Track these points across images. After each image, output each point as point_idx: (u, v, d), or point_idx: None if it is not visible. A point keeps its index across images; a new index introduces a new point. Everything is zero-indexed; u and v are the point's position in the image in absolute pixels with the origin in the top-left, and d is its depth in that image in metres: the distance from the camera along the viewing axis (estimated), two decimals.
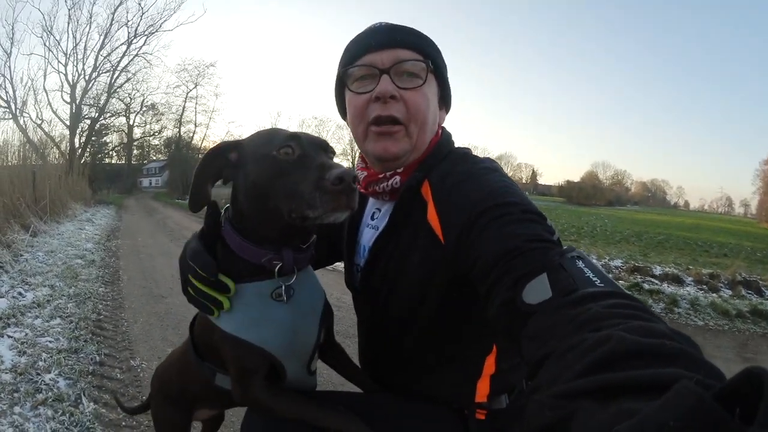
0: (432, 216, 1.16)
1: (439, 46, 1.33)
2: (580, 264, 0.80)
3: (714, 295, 7.91)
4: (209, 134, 49.96)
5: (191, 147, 46.51)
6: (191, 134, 47.63)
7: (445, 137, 1.34)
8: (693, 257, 13.95)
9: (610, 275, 0.79)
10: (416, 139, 1.25)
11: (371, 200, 1.44)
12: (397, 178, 1.27)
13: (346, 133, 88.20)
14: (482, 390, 1.27)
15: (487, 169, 1.18)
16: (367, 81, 1.25)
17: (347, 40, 1.31)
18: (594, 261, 0.87)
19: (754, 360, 5.09)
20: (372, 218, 1.40)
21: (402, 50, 1.23)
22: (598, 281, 0.75)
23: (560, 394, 0.49)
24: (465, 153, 1.31)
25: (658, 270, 9.49)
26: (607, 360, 0.50)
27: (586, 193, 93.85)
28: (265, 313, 1.14)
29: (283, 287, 1.14)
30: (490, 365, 1.27)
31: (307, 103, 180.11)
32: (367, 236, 1.39)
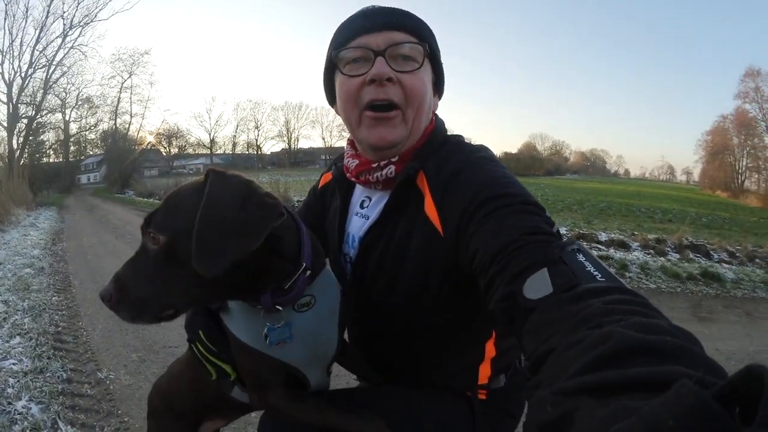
0: (429, 208, 1.15)
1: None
2: (581, 257, 0.80)
3: (662, 259, 8.22)
4: (145, 124, 49.00)
5: (128, 139, 45.47)
6: (127, 125, 46.54)
7: (439, 125, 1.31)
8: (637, 223, 14.41)
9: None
10: (412, 125, 1.21)
11: (359, 187, 1.40)
12: (392, 167, 1.23)
13: (281, 115, 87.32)
14: (484, 373, 1.30)
15: (484, 159, 1.18)
16: (360, 64, 1.20)
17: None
18: (593, 253, 0.87)
19: (710, 319, 5.33)
20: (362, 206, 1.36)
21: (398, 33, 1.19)
22: (599, 276, 0.75)
23: (561, 391, 0.49)
24: (459, 141, 1.29)
25: (603, 236, 9.81)
26: (607, 357, 0.50)
27: (525, 163, 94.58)
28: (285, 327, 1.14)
29: (282, 322, 1.12)
30: (490, 349, 1.29)
31: (242, 86, 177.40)
32: (357, 225, 1.36)
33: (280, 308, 1.11)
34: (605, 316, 0.61)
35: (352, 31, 1.22)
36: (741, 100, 53.88)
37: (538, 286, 0.78)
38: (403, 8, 1.25)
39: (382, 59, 1.16)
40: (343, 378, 3.00)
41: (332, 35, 1.29)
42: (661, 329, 0.55)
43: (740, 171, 55.27)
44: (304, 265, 1.12)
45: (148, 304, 0.98)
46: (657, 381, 0.43)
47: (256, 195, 1.00)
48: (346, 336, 1.35)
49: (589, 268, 0.77)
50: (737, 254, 8.96)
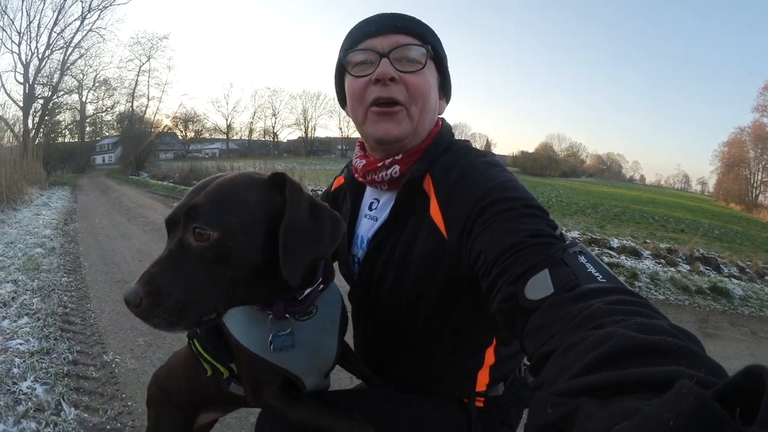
0: (435, 211, 1.17)
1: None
2: (582, 259, 0.80)
3: (672, 269, 8.15)
4: (162, 108, 49.35)
5: (144, 121, 45.60)
6: (144, 108, 46.86)
7: (445, 129, 1.34)
8: (650, 231, 14.31)
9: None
10: (417, 122, 1.25)
11: (369, 189, 1.43)
12: (396, 167, 1.26)
13: (299, 104, 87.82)
14: (482, 380, 1.31)
15: (489, 164, 1.19)
16: (366, 65, 1.25)
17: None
18: (595, 255, 0.87)
19: (716, 336, 5.27)
20: (370, 208, 1.39)
21: (402, 36, 1.24)
22: (600, 276, 0.75)
23: (562, 392, 0.50)
24: (466, 145, 1.31)
25: (615, 242, 9.74)
26: (608, 357, 0.50)
27: (541, 163, 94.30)
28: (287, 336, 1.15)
29: (288, 330, 1.14)
30: (490, 356, 1.30)
31: (260, 73, 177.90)
32: (366, 227, 1.39)
33: (288, 316, 1.12)
34: (606, 316, 0.61)
35: (360, 35, 1.28)
36: (759, 113, 53.44)
37: (539, 286, 0.78)
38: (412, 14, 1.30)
39: (386, 60, 1.21)
40: (345, 375, 3.01)
41: (343, 40, 1.33)
42: (661, 329, 0.55)
43: (755, 185, 54.79)
44: (321, 279, 1.15)
45: (189, 307, 0.90)
46: (658, 381, 0.43)
47: (323, 206, 1.03)
48: (349, 340, 1.37)
49: (590, 269, 0.77)
50: (747, 270, 8.85)
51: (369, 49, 1.24)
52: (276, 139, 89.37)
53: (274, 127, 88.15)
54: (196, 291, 0.91)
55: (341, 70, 1.34)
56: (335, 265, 1.35)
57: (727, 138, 62.03)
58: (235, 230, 0.93)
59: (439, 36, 1.32)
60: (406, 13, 1.29)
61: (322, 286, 1.16)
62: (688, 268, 8.54)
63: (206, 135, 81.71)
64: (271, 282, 0.98)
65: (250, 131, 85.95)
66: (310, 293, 1.13)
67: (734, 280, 7.98)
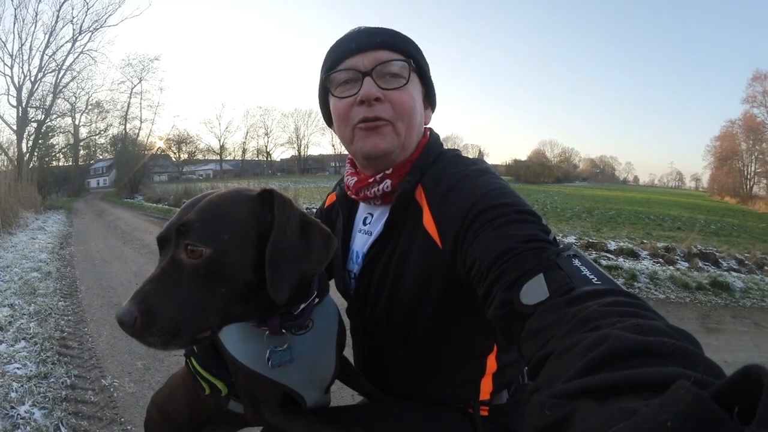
0: (428, 221, 1.17)
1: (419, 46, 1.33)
2: (577, 262, 0.80)
3: (671, 268, 8.19)
4: (155, 130, 49.36)
5: (137, 144, 45.77)
6: (137, 131, 46.80)
7: (433, 139, 1.34)
8: (646, 231, 14.35)
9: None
10: (404, 137, 1.25)
11: (362, 205, 1.43)
12: (388, 182, 1.26)
13: (291, 122, 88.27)
14: (486, 388, 1.30)
15: (480, 171, 1.19)
16: (350, 85, 1.25)
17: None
18: (590, 258, 0.86)
19: (719, 330, 5.28)
20: (364, 223, 1.39)
21: (383, 51, 1.23)
22: (595, 279, 0.75)
23: (559, 394, 0.49)
24: (456, 154, 1.31)
25: (612, 245, 9.77)
26: (605, 359, 0.50)
27: (534, 171, 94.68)
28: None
29: (285, 345, 1.13)
30: (492, 364, 1.30)
31: (251, 93, 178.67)
32: (360, 242, 1.38)
33: (285, 331, 1.12)
34: (602, 318, 0.61)
35: (341, 53, 1.27)
36: (749, 104, 53.89)
37: (534, 291, 0.78)
38: (392, 27, 1.30)
39: (369, 79, 1.21)
40: (347, 391, 2.99)
41: (323, 58, 1.33)
42: (658, 330, 0.54)
43: (749, 176, 55.09)
44: (315, 293, 1.15)
45: (183, 325, 0.89)
46: (655, 382, 0.43)
47: (313, 222, 1.03)
48: (349, 356, 1.36)
49: (585, 272, 0.77)
50: (746, 262, 8.91)
51: (351, 68, 1.23)
52: (269, 159, 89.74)
53: (267, 147, 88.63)
54: (190, 309, 0.89)
55: (324, 90, 1.34)
56: (331, 282, 1.36)
57: (719, 132, 62.41)
58: (227, 246, 0.93)
59: (419, 46, 1.32)
60: (388, 27, 1.29)
61: (317, 300, 1.16)
62: (687, 265, 8.58)
63: (199, 156, 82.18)
64: (265, 298, 0.96)
65: (243, 151, 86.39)
66: (305, 307, 1.12)
67: (734, 273, 8.05)
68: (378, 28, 1.28)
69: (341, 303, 1.33)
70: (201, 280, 0.91)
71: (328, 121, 1.39)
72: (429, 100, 1.38)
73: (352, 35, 1.27)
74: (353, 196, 1.38)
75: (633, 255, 9.13)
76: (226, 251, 0.92)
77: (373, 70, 1.21)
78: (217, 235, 0.92)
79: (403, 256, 1.22)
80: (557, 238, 0.97)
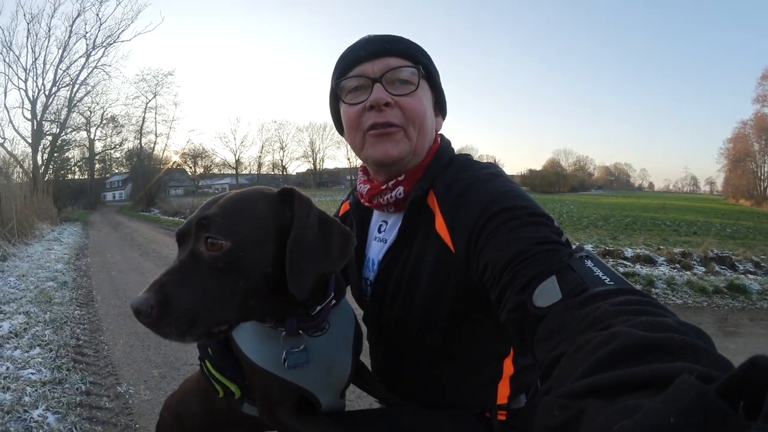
0: (441, 226, 1.17)
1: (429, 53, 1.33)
2: (589, 263, 0.80)
3: (688, 273, 8.12)
4: (170, 144, 49.80)
5: (153, 158, 46.06)
6: (152, 145, 47.10)
7: (444, 145, 1.34)
8: (663, 237, 14.27)
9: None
10: (416, 143, 1.25)
11: (376, 213, 1.44)
12: (401, 188, 1.26)
13: (306, 136, 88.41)
14: (503, 391, 1.29)
15: (491, 175, 1.19)
16: (360, 92, 1.25)
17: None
18: (609, 260, 0.85)
19: (736, 333, 5.23)
20: (379, 231, 1.40)
21: (392, 58, 1.24)
22: (608, 279, 0.75)
23: (568, 394, 0.49)
24: (467, 159, 1.31)
25: (629, 252, 9.68)
26: (613, 357, 0.50)
27: (549, 180, 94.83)
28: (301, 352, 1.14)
29: (302, 346, 1.13)
30: (508, 367, 1.29)
31: (266, 107, 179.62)
32: (375, 249, 1.39)
33: (301, 333, 1.12)
34: (613, 317, 0.61)
35: (350, 61, 1.28)
36: (759, 103, 53.42)
37: (547, 293, 0.78)
38: (402, 35, 1.31)
39: (379, 85, 1.22)
40: (365, 400, 2.97)
41: (333, 66, 1.34)
42: (668, 327, 0.54)
43: (762, 177, 54.60)
44: (332, 294, 1.15)
45: (200, 317, 0.88)
46: (663, 378, 0.42)
47: (333, 221, 1.04)
48: (367, 362, 1.37)
49: (597, 273, 0.77)
50: (762, 264, 8.83)
51: (360, 75, 1.24)
52: (285, 173, 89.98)
53: (282, 161, 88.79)
54: (207, 301, 0.90)
55: (335, 98, 1.35)
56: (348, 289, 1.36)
57: (731, 134, 61.89)
58: (247, 240, 0.93)
59: (429, 54, 1.33)
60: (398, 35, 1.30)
61: (334, 302, 1.16)
62: (704, 269, 8.50)
63: (215, 170, 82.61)
64: (283, 295, 0.96)
65: (259, 165, 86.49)
66: (322, 309, 1.12)
67: (750, 276, 8.01)
68: (387, 35, 1.29)
69: (357, 311, 1.33)
70: (220, 273, 0.91)
71: (340, 129, 1.39)
72: (439, 107, 1.39)
73: (362, 43, 1.29)
74: (366, 204, 1.38)
75: (650, 261, 9.06)
76: (246, 245, 0.93)
77: (382, 76, 1.22)
78: (237, 228, 0.93)
79: (417, 262, 1.22)
80: (569, 239, 0.97)
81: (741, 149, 57.25)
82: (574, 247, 0.89)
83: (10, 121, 32.73)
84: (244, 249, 0.92)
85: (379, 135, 1.22)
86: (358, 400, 3.11)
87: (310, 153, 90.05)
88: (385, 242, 1.35)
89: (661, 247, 10.71)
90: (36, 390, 3.42)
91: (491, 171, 1.22)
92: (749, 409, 0.32)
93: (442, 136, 1.38)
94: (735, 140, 59.87)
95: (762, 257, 9.25)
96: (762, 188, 53.55)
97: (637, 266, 8.64)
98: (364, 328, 1.35)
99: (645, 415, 0.35)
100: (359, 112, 1.24)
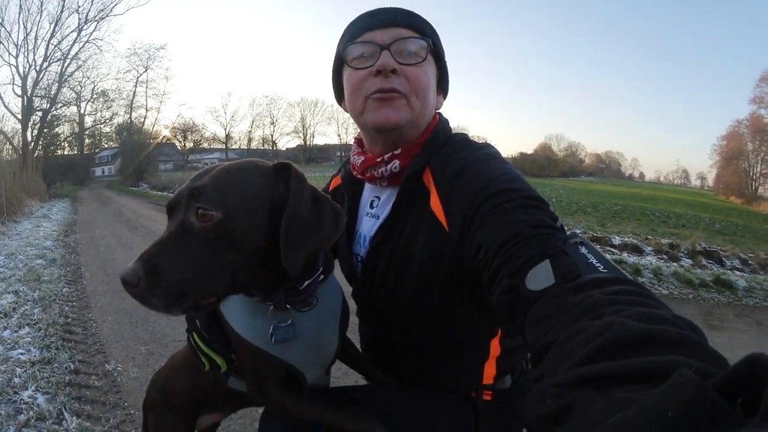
0: (435, 204, 1.16)
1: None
2: (583, 250, 0.80)
3: (675, 264, 8.14)
4: (160, 118, 49.48)
5: (143, 132, 45.84)
6: (142, 119, 46.93)
7: (442, 123, 1.34)
8: (651, 227, 14.31)
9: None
10: (417, 113, 1.24)
11: (368, 187, 1.43)
12: (396, 162, 1.26)
13: (297, 111, 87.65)
14: (489, 372, 1.31)
15: (489, 156, 1.18)
16: (366, 58, 1.25)
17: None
18: (597, 247, 0.86)
19: (721, 328, 5.27)
20: (371, 206, 1.39)
21: (402, 29, 1.24)
22: (602, 267, 0.75)
23: (561, 383, 0.49)
24: (464, 138, 1.31)
25: (617, 240, 9.72)
26: (607, 348, 0.50)
27: (540, 164, 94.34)
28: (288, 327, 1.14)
29: (289, 321, 1.13)
30: (495, 347, 1.30)
31: (258, 82, 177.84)
32: (367, 225, 1.38)
33: (289, 307, 1.11)
34: (607, 306, 0.61)
35: (360, 27, 1.27)
36: (756, 105, 53.36)
37: (540, 277, 0.78)
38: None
39: (387, 52, 1.21)
40: (351, 376, 2.99)
41: (341, 34, 1.33)
42: (662, 319, 0.54)
43: (754, 177, 54.68)
44: (321, 269, 1.14)
45: (188, 289, 0.88)
46: (658, 371, 0.43)
47: (324, 198, 1.04)
48: (356, 339, 1.37)
49: (591, 260, 0.77)
50: (750, 262, 8.85)
51: (369, 41, 1.23)
52: (275, 148, 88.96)
53: (272, 136, 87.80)
54: (196, 272, 0.89)
55: (340, 64, 1.34)
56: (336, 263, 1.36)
57: (726, 131, 61.96)
58: (239, 211, 0.92)
59: (437, 31, 1.32)
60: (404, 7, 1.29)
61: (322, 277, 1.16)
62: (691, 262, 8.53)
63: (205, 145, 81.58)
64: (274, 269, 0.97)
65: (249, 140, 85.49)
66: (310, 284, 1.12)
67: (737, 272, 8.00)
68: (399, 8, 1.28)
69: (346, 288, 1.32)
70: (210, 244, 0.90)
71: (339, 96, 1.39)
72: (442, 85, 1.38)
73: (374, 11, 1.28)
74: (359, 176, 1.37)
75: (637, 250, 9.09)
76: (237, 216, 0.92)
77: (391, 44, 1.21)
78: (229, 200, 0.92)
79: (410, 239, 1.22)
80: (563, 225, 0.97)
81: (734, 147, 57.23)
82: (568, 232, 0.89)
83: (0, 98, 32.28)
84: (235, 221, 0.91)
85: (382, 99, 1.22)
86: (344, 377, 3.14)
87: (300, 128, 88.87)
88: (378, 218, 1.34)
89: (649, 237, 10.75)
90: (25, 371, 3.41)
91: (488, 152, 1.22)
92: (746, 407, 0.33)
93: (440, 114, 1.38)
94: (729, 138, 59.79)
95: (750, 255, 9.26)
96: (753, 188, 53.66)
97: (625, 254, 8.68)
98: (352, 305, 1.35)
99: (642, 408, 0.35)
100: (364, 76, 1.23)
